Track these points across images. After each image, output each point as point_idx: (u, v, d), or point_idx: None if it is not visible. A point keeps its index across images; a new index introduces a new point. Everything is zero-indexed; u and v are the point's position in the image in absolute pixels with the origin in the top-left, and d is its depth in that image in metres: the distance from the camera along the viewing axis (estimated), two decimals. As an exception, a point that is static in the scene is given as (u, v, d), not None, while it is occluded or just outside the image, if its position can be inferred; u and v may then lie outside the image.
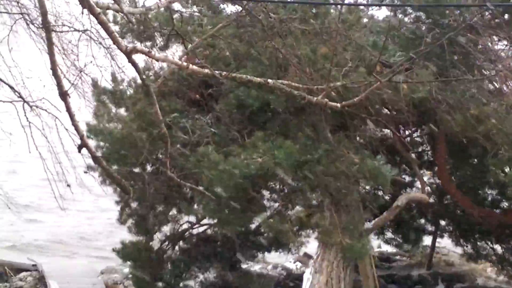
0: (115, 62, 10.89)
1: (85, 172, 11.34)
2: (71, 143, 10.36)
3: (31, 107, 10.85)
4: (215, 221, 16.30)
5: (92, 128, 15.31)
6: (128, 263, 18.50)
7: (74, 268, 22.38)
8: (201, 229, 18.84)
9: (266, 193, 16.38)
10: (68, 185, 11.26)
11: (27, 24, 10.55)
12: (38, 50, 10.77)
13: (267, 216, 15.57)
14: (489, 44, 13.55)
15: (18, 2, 10.63)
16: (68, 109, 9.68)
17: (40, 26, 9.84)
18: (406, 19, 14.75)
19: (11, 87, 10.91)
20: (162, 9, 11.95)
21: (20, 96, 10.87)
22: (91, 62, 10.73)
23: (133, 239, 17.77)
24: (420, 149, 18.96)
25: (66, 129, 10.46)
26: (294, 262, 22.44)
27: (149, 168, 16.25)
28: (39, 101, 10.84)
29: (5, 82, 11.01)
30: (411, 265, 22.91)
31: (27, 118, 10.77)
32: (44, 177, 10.86)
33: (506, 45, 13.96)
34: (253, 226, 18.19)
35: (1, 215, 25.71)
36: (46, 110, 10.86)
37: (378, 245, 22.86)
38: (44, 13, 8.96)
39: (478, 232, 19.75)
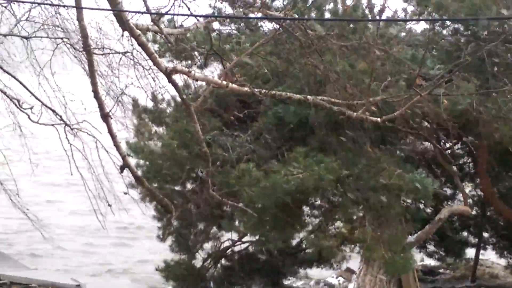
0: (156, 82, 10.98)
1: (125, 193, 11.42)
2: (111, 164, 10.51)
3: (72, 129, 10.99)
4: (257, 238, 16.34)
5: (132, 147, 15.43)
6: (171, 282, 18.55)
7: (117, 287, 22.49)
8: (243, 246, 18.85)
9: (306, 209, 16.35)
10: (110, 205, 11.38)
11: (68, 48, 10.71)
12: (81, 73, 10.92)
13: (308, 232, 15.55)
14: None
15: (59, 27, 10.79)
16: (110, 130, 9.81)
17: (82, 49, 9.98)
18: (444, 31, 14.68)
19: (53, 111, 11.06)
20: (200, 28, 12.06)
21: (61, 119, 11.02)
22: (132, 83, 10.85)
23: (176, 258, 17.83)
24: (461, 161, 18.81)
25: (107, 151, 10.59)
26: (337, 277, 22.30)
27: (189, 186, 16.32)
28: (80, 123, 10.99)
29: (46, 106, 11.17)
30: (455, 278, 22.64)
31: (68, 141, 10.91)
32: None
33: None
34: (294, 242, 18.18)
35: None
36: (87, 132, 11.00)
37: (421, 258, 22.64)
38: (85, 37, 9.12)
39: (522, 243, 19.53)
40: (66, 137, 10.87)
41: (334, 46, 12.23)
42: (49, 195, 34.68)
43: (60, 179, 34.43)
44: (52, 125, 10.92)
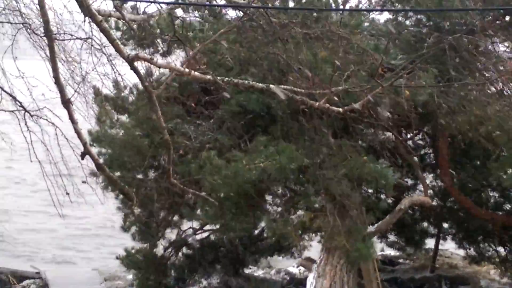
0: (116, 70, 10.88)
1: (84, 182, 11.32)
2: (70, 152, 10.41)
3: (31, 116, 10.87)
4: (218, 226, 16.33)
5: (94, 135, 15.33)
6: (132, 270, 18.51)
7: (78, 275, 22.35)
8: (204, 234, 18.86)
9: (269, 198, 16.37)
10: (67, 193, 11.28)
11: (29, 34, 10.57)
12: (41, 59, 10.80)
13: (270, 220, 15.58)
14: (491, 46, 13.56)
15: (20, 11, 10.65)
16: (71, 116, 9.68)
17: (43, 34, 9.86)
18: (407, 22, 14.76)
19: (12, 97, 10.94)
20: (163, 15, 11.98)
21: (21, 106, 10.90)
22: (93, 70, 10.75)
23: (137, 246, 17.79)
24: (422, 152, 18.96)
25: (67, 139, 10.49)
26: (297, 267, 22.38)
27: (151, 174, 16.27)
28: (40, 110, 10.87)
29: (6, 92, 11.04)
30: (414, 268, 22.86)
31: (27, 127, 10.80)
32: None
33: (508, 47, 13.97)
34: (256, 231, 18.22)
35: None
36: (47, 120, 10.89)
37: (381, 248, 22.82)
38: (46, 22, 8.97)
39: (481, 234, 19.72)
40: (26, 124, 10.75)
41: (297, 35, 12.23)
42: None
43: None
44: (12, 111, 10.79)
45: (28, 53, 12.02)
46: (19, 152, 12.87)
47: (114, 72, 11.03)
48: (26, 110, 10.72)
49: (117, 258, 18.32)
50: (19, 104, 10.79)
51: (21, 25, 10.56)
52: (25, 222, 28.17)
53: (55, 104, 10.15)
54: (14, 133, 11.65)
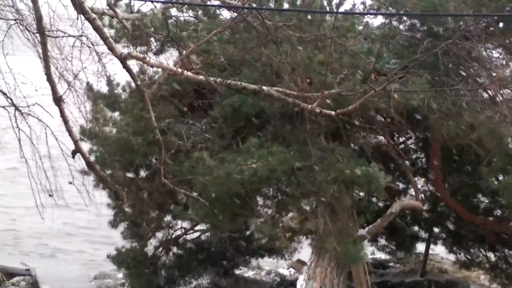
0: (106, 69, 10.86)
1: (70, 183, 11.28)
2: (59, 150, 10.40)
3: (22, 113, 10.84)
4: (208, 226, 16.32)
5: (86, 132, 15.30)
6: (122, 269, 18.49)
7: (68, 273, 22.30)
8: (195, 235, 18.85)
9: (260, 200, 16.36)
10: (50, 195, 11.26)
11: (22, 30, 10.54)
12: (33, 55, 10.76)
13: (260, 221, 15.58)
14: (484, 52, 13.58)
15: (13, 7, 10.63)
16: (62, 114, 9.69)
17: (35, 31, 9.84)
18: (401, 26, 14.78)
19: (3, 93, 10.90)
20: (158, 14, 11.97)
21: (12, 103, 10.87)
22: (86, 67, 10.72)
23: (127, 246, 17.76)
24: (414, 156, 18.97)
25: (56, 138, 10.48)
26: (288, 268, 22.40)
27: (143, 173, 16.26)
28: (31, 107, 10.84)
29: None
30: (405, 272, 22.86)
31: (17, 125, 10.76)
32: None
33: (501, 54, 13.99)
34: (247, 232, 18.21)
35: None
36: (37, 118, 10.87)
37: (371, 252, 22.80)
38: (39, 18, 8.98)
39: (471, 239, 19.72)
40: (16, 121, 10.72)
41: (291, 37, 12.23)
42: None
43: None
44: (3, 107, 10.76)
45: (22, 49, 11.99)
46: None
47: (106, 71, 11.00)
48: (16, 107, 10.70)
49: (108, 257, 18.29)
50: (10, 101, 10.76)
51: (14, 21, 10.52)
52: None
53: (48, 101, 10.14)
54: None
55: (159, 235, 18.21)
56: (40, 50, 9.49)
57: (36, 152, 10.94)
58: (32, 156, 10.99)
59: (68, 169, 10.78)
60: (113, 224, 18.04)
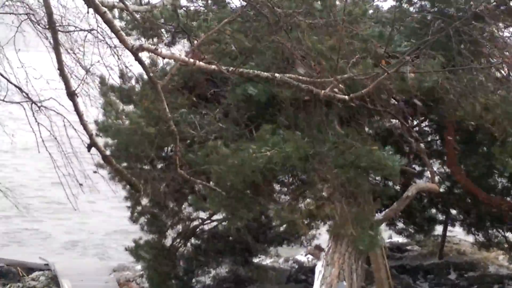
0: (122, 61, 10.87)
1: (95, 172, 11.34)
2: (79, 142, 10.41)
3: (39, 107, 10.87)
4: (224, 215, 16.34)
5: (100, 126, 15.35)
6: (141, 260, 18.57)
7: (86, 266, 22.44)
8: (213, 224, 18.86)
9: (277, 187, 16.38)
10: (81, 184, 11.30)
11: (33, 25, 10.56)
12: (44, 51, 10.79)
13: (277, 208, 15.59)
14: (496, 31, 13.51)
15: (23, 2, 10.65)
16: (76, 108, 9.68)
17: (46, 26, 9.85)
18: (411, 8, 14.72)
19: (19, 88, 10.94)
20: (167, 5, 11.97)
21: (28, 97, 10.89)
22: (98, 61, 10.73)
23: (146, 238, 17.83)
24: (429, 139, 18.93)
25: (75, 129, 10.49)
26: (306, 255, 22.43)
27: (158, 165, 16.28)
28: (47, 101, 10.86)
29: (12, 83, 11.04)
30: (423, 254, 22.85)
31: (35, 119, 10.79)
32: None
33: (512, 33, 13.93)
34: (264, 220, 18.22)
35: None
36: (54, 110, 10.89)
37: (389, 235, 22.85)
38: (49, 14, 8.98)
39: (489, 220, 19.69)
40: (33, 115, 10.74)
41: (302, 23, 12.20)
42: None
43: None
44: (19, 102, 10.79)
45: (32, 45, 12.02)
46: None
47: (119, 64, 11.00)
48: (33, 101, 10.72)
49: (126, 249, 18.37)
50: (25, 95, 10.79)
51: (25, 15, 10.54)
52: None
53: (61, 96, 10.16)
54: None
55: (177, 226, 18.26)
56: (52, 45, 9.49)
57: (59, 144, 10.94)
58: (58, 149, 11.02)
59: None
60: (132, 218, 18.08)
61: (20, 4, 10.81)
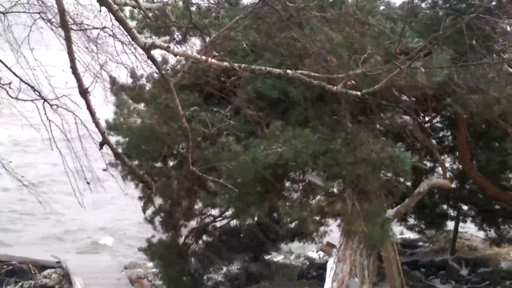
0: (136, 57, 10.89)
1: (104, 170, 11.36)
2: (91, 140, 10.45)
3: (51, 105, 10.90)
4: (235, 211, 16.35)
5: (112, 124, 15.37)
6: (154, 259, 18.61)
7: (98, 263, 22.46)
8: (224, 221, 18.89)
9: (287, 184, 16.38)
10: (88, 183, 11.32)
11: (46, 23, 10.59)
12: (55, 49, 10.82)
13: (288, 205, 15.60)
14: (507, 27, 13.47)
15: (37, 1, 10.68)
16: (89, 106, 9.70)
17: (59, 25, 9.88)
18: (423, 4, 14.69)
19: (31, 86, 10.97)
20: (179, 2, 11.97)
21: (40, 95, 10.92)
22: (110, 59, 10.75)
23: (159, 237, 17.85)
24: (440, 135, 18.90)
25: (86, 127, 10.52)
26: (317, 252, 22.44)
27: (170, 162, 16.29)
28: (59, 99, 10.89)
29: (24, 81, 11.08)
30: (434, 250, 22.82)
31: (47, 117, 10.83)
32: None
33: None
34: (275, 217, 18.21)
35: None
36: (66, 108, 10.92)
37: (400, 231, 22.82)
38: (62, 12, 9.00)
39: (501, 216, 19.66)
40: (45, 113, 10.77)
41: (313, 19, 12.19)
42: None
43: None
44: (31, 100, 10.82)
45: (43, 43, 12.05)
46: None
47: (132, 61, 11.03)
48: (45, 100, 10.74)
49: (139, 249, 18.42)
50: (37, 93, 10.82)
51: (38, 14, 10.57)
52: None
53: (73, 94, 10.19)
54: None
55: (189, 223, 18.28)
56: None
57: (69, 142, 10.99)
58: (69, 148, 11.07)
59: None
60: (147, 217, 18.11)
61: (33, 2, 10.83)
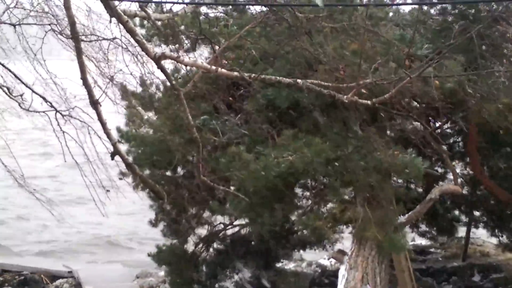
0: (145, 68, 10.93)
1: (120, 179, 11.44)
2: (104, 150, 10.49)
3: (63, 116, 10.95)
4: (247, 221, 16.36)
5: (123, 134, 15.42)
6: (164, 266, 18.61)
7: (110, 273, 22.49)
8: (235, 229, 18.89)
9: (299, 191, 16.37)
10: (108, 191, 11.40)
11: (56, 35, 10.65)
12: (65, 59, 10.89)
13: (300, 213, 15.58)
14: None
15: (48, 13, 10.73)
16: (100, 117, 9.74)
17: (70, 36, 9.92)
18: (432, 11, 14.68)
19: (43, 98, 11.02)
20: (188, 12, 12.00)
21: (52, 106, 10.97)
22: (121, 70, 10.80)
23: (168, 243, 17.87)
24: (451, 141, 18.87)
25: (99, 137, 10.56)
26: (329, 259, 22.39)
27: (181, 171, 16.32)
28: (71, 110, 10.95)
29: (36, 93, 11.13)
30: (446, 257, 22.80)
31: (60, 128, 10.88)
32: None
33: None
34: (287, 225, 18.21)
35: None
36: (78, 119, 10.98)
37: (412, 238, 22.77)
38: (72, 24, 9.03)
39: (513, 221, 19.63)
40: (58, 124, 10.83)
41: (323, 28, 12.19)
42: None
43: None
44: (44, 112, 10.88)
45: (53, 54, 12.11)
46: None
47: (142, 72, 11.07)
48: (57, 111, 10.79)
49: (149, 255, 18.42)
50: (49, 104, 10.87)
51: (49, 26, 10.63)
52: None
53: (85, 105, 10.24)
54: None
55: (199, 231, 18.30)
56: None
57: (85, 152, 11.06)
58: (83, 155, 11.14)
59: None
60: (155, 224, 18.16)
61: (44, 14, 10.88)
